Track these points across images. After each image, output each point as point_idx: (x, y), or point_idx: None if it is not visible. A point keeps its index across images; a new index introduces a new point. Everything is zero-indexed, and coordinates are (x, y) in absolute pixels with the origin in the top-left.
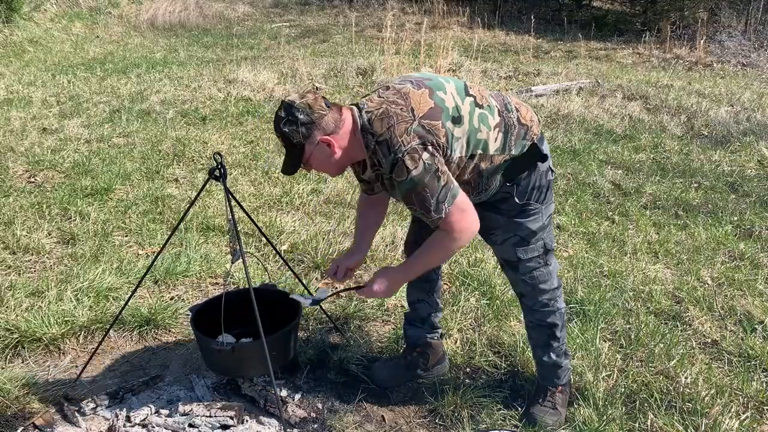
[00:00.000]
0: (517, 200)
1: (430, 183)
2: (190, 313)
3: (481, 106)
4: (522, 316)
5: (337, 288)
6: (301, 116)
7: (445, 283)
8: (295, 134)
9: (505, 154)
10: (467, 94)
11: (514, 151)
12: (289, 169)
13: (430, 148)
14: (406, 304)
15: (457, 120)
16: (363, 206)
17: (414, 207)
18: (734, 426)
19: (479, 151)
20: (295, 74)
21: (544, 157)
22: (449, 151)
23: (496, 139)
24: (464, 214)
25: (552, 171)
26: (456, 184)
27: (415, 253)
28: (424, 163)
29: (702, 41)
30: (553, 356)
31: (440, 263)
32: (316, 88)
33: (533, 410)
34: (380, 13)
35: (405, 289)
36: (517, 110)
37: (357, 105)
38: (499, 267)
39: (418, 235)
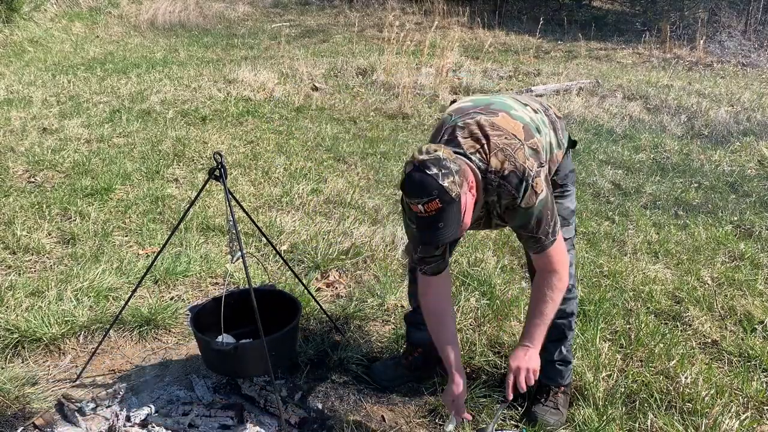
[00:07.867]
0: (558, 182)
1: (551, 205)
2: (190, 313)
3: (536, 111)
4: None
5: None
6: (453, 166)
7: None
8: (454, 186)
9: (562, 149)
10: (521, 103)
11: (564, 143)
12: (454, 231)
13: (542, 169)
14: (406, 304)
15: (538, 131)
16: (437, 304)
17: (531, 233)
18: (734, 426)
19: (549, 155)
20: (295, 74)
21: (574, 143)
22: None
23: (555, 137)
24: (563, 243)
25: None
26: None
27: (530, 320)
28: (545, 186)
29: (702, 41)
30: (563, 350)
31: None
32: (316, 88)
33: (535, 409)
34: (380, 13)
35: (407, 291)
36: (549, 106)
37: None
38: (526, 256)
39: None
